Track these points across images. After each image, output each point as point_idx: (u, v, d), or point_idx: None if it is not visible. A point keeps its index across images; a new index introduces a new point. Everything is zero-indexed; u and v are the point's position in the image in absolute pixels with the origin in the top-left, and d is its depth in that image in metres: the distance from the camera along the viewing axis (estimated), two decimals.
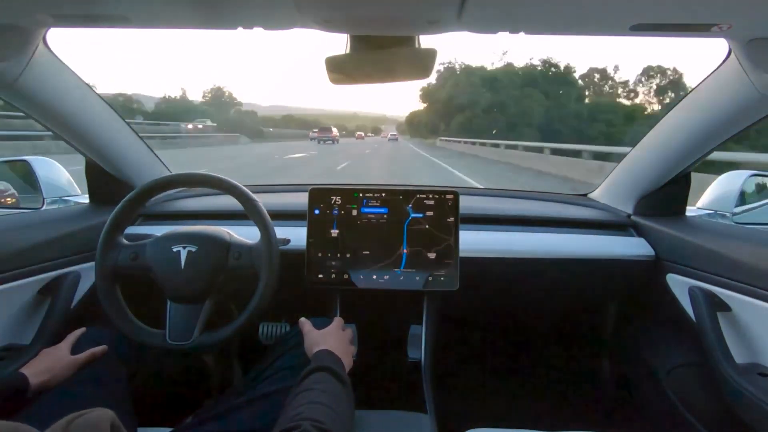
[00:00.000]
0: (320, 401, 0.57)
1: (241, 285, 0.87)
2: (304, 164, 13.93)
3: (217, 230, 0.88)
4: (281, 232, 0.90)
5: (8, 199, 1.38)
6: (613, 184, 1.26)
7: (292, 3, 0.56)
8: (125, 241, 0.87)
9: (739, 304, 0.83)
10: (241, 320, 0.82)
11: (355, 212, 1.00)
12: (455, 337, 1.40)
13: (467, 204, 1.09)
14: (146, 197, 0.89)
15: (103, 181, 1.12)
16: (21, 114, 0.88)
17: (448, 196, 0.99)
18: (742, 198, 1.28)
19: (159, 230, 0.91)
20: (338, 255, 0.99)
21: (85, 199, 1.20)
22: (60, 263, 0.94)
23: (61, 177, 1.33)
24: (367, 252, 0.99)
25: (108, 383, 0.75)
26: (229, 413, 0.72)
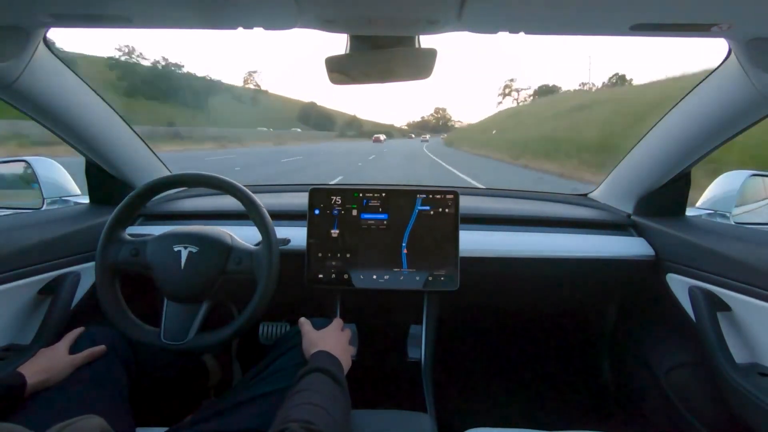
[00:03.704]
0: (312, 402, 0.57)
1: (242, 286, 0.87)
2: None
3: (220, 232, 0.88)
4: (281, 232, 0.90)
5: None
6: (613, 184, 1.26)
7: (292, 3, 0.56)
8: (127, 237, 0.87)
9: (739, 304, 0.83)
10: (236, 325, 0.82)
11: (355, 212, 1.00)
12: (455, 337, 1.40)
13: (467, 204, 1.09)
14: (148, 196, 0.89)
15: (103, 182, 1.12)
16: None
17: (449, 196, 0.99)
18: (742, 198, 1.27)
19: (159, 230, 0.91)
20: (338, 255, 0.99)
21: (85, 199, 1.20)
22: (60, 263, 0.94)
23: (61, 177, 1.32)
24: (367, 252, 0.99)
25: (106, 383, 0.75)
26: (227, 413, 0.71)
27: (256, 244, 0.87)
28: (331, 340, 0.77)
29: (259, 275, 0.83)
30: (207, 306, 0.83)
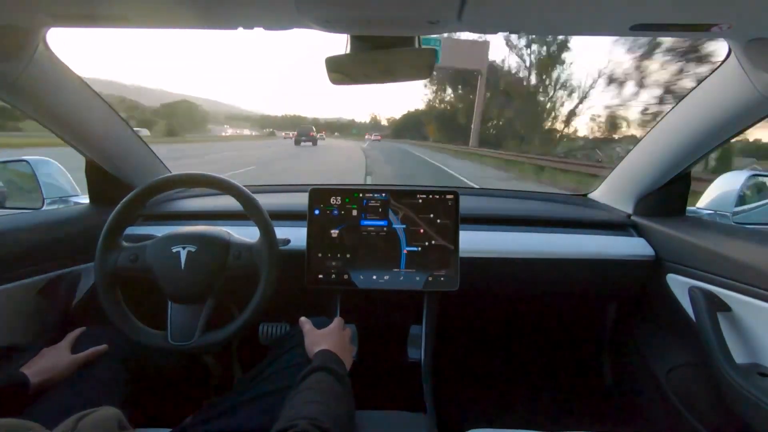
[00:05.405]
0: (319, 400, 0.58)
1: (241, 285, 0.87)
2: None
3: (217, 230, 0.88)
4: (281, 232, 0.90)
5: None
6: (613, 185, 1.26)
7: (292, 3, 0.56)
8: (125, 243, 0.87)
9: (739, 304, 0.83)
10: (242, 320, 0.82)
11: (355, 212, 1.00)
12: (455, 337, 1.40)
13: (467, 204, 1.09)
14: (146, 198, 0.89)
15: (103, 182, 1.12)
16: None
17: (449, 196, 0.99)
18: (742, 198, 1.27)
19: (159, 231, 0.91)
20: (338, 255, 0.99)
21: (85, 200, 1.20)
22: (60, 263, 0.94)
23: (61, 177, 1.32)
24: (368, 252, 0.99)
25: (108, 383, 0.75)
26: (229, 413, 0.72)
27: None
28: (333, 339, 0.77)
29: (261, 266, 0.84)
30: (211, 304, 0.84)
